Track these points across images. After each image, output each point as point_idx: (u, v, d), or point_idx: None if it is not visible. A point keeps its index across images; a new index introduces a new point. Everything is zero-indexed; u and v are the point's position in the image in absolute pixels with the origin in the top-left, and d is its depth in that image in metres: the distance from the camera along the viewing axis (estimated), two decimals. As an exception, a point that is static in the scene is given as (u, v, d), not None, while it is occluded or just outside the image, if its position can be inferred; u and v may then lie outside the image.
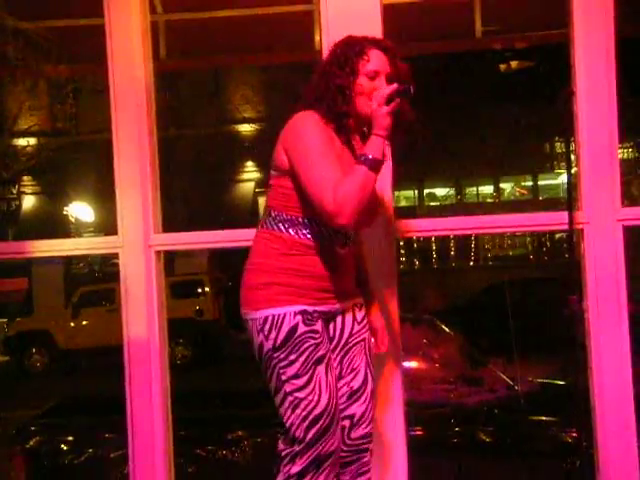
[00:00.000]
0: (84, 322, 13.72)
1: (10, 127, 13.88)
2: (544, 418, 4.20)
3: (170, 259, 13.31)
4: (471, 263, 18.65)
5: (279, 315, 2.30)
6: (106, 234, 3.59)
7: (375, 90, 2.31)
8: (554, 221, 3.06)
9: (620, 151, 3.20)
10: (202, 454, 4.05)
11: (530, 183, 20.46)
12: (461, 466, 3.91)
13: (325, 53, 2.51)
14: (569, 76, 2.99)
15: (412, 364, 4.76)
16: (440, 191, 21.02)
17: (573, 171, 2.94)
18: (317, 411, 2.30)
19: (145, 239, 3.10)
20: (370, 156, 2.24)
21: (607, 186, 2.93)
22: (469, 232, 3.32)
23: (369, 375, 2.49)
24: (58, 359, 13.25)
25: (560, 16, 3.14)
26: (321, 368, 2.32)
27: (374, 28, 2.95)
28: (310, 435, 2.30)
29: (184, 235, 3.25)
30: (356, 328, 2.48)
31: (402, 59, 2.40)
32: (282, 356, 2.30)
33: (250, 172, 17.99)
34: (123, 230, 3.11)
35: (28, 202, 17.50)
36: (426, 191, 20.60)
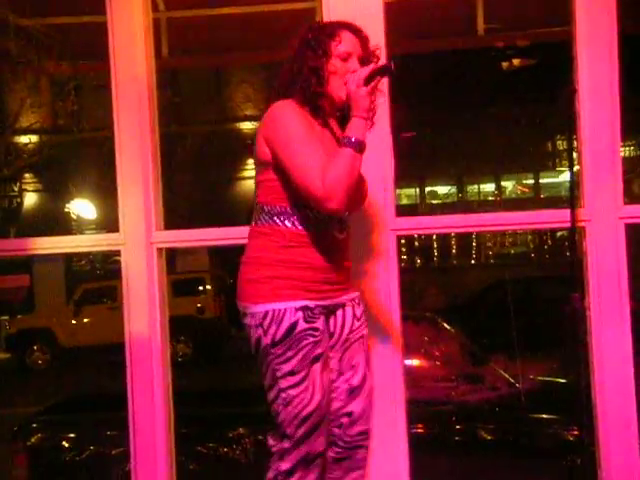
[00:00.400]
0: (86, 319, 13.72)
1: (12, 124, 13.87)
2: (545, 416, 4.19)
3: (171, 257, 13.32)
4: (472, 261, 18.63)
5: (280, 310, 2.29)
6: (108, 231, 3.60)
7: (348, 72, 2.32)
8: (556, 219, 3.07)
9: (622, 149, 3.20)
10: (203, 451, 4.04)
11: (532, 181, 20.44)
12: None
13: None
14: (571, 74, 2.99)
15: (413, 362, 4.75)
16: (442, 189, 21.00)
17: (575, 169, 2.94)
18: (308, 409, 2.30)
19: (147, 236, 3.10)
20: (353, 138, 2.24)
21: (609, 184, 2.93)
22: (471, 230, 3.32)
23: (368, 372, 2.48)
24: (60, 356, 13.26)
25: (562, 14, 3.14)
26: (317, 366, 2.31)
27: (376, 25, 2.95)
28: (300, 433, 2.30)
29: (186, 232, 3.26)
30: (356, 325, 2.48)
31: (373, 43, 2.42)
32: (279, 352, 2.30)
33: (252, 170, 17.89)
34: (125, 227, 3.12)
35: (30, 199, 17.50)
36: (427, 189, 20.59)
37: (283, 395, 2.31)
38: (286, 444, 2.33)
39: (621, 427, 2.93)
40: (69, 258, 16.06)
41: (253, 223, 2.42)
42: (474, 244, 18.80)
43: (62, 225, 16.63)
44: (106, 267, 16.91)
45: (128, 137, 3.11)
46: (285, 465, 2.33)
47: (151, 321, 3.10)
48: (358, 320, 2.49)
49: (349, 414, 2.44)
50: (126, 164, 3.12)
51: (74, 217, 17.52)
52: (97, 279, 15.54)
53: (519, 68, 8.27)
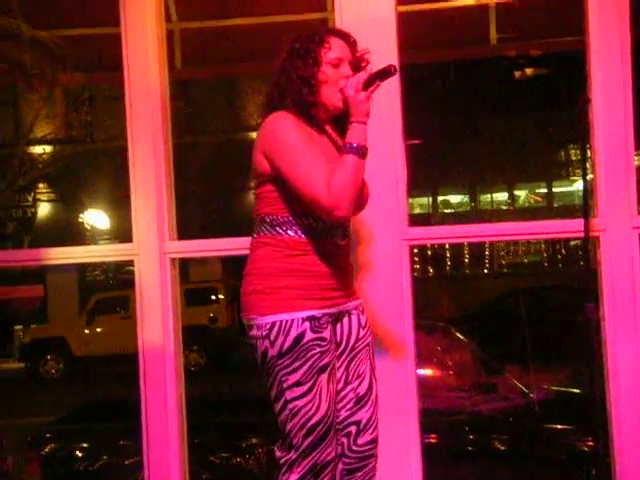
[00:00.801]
0: (99, 329, 13.75)
1: (26, 135, 13.97)
2: (560, 426, 4.17)
3: (184, 266, 13.33)
4: (485, 270, 18.57)
5: (286, 321, 2.28)
6: (121, 241, 3.61)
7: (340, 78, 2.31)
8: (570, 229, 3.06)
9: (636, 158, 3.19)
10: (216, 461, 4.04)
11: (545, 190, 20.39)
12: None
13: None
14: (584, 83, 2.98)
15: (426, 372, 4.74)
16: (454, 198, 20.97)
17: (588, 178, 2.93)
18: (315, 420, 2.29)
19: (160, 246, 3.11)
20: (355, 144, 2.23)
21: (623, 193, 2.92)
22: (484, 240, 3.32)
23: (373, 380, 2.47)
24: (73, 366, 13.29)
25: (575, 23, 3.14)
26: (324, 377, 2.30)
27: (389, 35, 2.96)
28: (307, 443, 2.29)
29: (199, 242, 3.26)
30: (362, 333, 2.47)
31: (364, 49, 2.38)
32: (286, 363, 2.28)
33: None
34: (138, 237, 3.13)
35: (44, 209, 17.59)
36: (440, 198, 20.57)
37: (290, 406, 2.30)
38: (293, 455, 2.32)
39: (636, 437, 2.91)
40: (83, 268, 16.11)
41: (255, 235, 2.40)
42: (487, 253, 18.75)
43: (76, 235, 16.69)
44: (119, 277, 16.95)
45: (141, 147, 3.13)
46: (294, 476, 2.32)
47: (164, 331, 3.11)
48: (364, 328, 2.48)
49: (357, 423, 2.43)
50: (139, 174, 3.13)
51: (88, 227, 17.58)
52: (110, 289, 15.59)
53: (532, 77, 8.27)
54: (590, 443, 3.77)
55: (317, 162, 2.23)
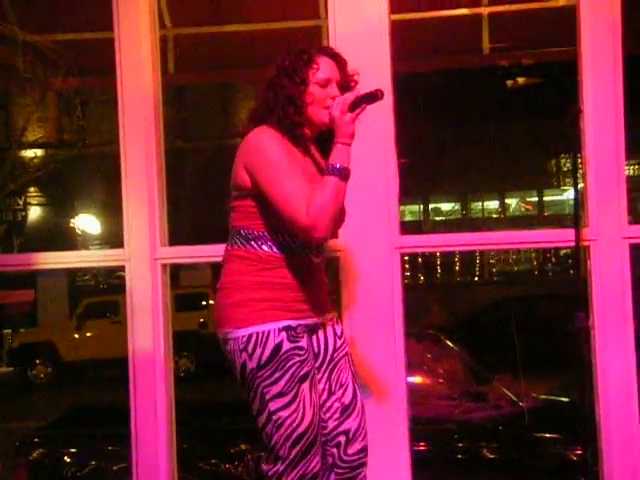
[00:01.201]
0: (88, 334, 13.70)
1: (18, 139, 13.91)
2: (549, 435, 4.18)
3: (175, 271, 13.31)
4: (476, 278, 18.62)
5: (263, 332, 2.27)
6: (112, 247, 3.60)
7: (327, 97, 2.30)
8: (561, 238, 3.07)
9: (627, 168, 3.20)
10: (205, 468, 4.03)
11: (535, 199, 20.47)
12: None
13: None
14: (576, 93, 3.00)
15: (416, 379, 4.74)
16: (445, 206, 21.03)
17: (579, 188, 2.94)
18: (300, 429, 2.28)
19: (151, 252, 3.11)
20: (338, 165, 2.22)
21: (614, 203, 2.93)
22: (475, 249, 3.32)
23: (357, 388, 2.47)
24: (62, 371, 13.24)
25: (568, 33, 3.15)
26: (305, 385, 2.29)
27: (382, 43, 2.97)
28: (293, 453, 2.28)
29: (190, 248, 3.26)
30: (338, 343, 2.46)
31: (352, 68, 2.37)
32: (267, 374, 2.27)
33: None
34: (129, 243, 3.13)
35: (34, 213, 17.53)
36: (431, 206, 20.62)
37: (274, 417, 2.28)
38: (281, 467, 2.30)
39: (625, 447, 2.92)
40: (73, 273, 16.06)
41: (228, 245, 2.39)
42: (478, 261, 18.80)
43: (67, 240, 16.65)
44: (109, 282, 16.91)
45: (134, 153, 3.12)
46: None
47: (155, 336, 3.10)
48: (340, 338, 2.47)
49: (346, 432, 2.42)
50: (131, 180, 3.13)
51: (79, 232, 17.54)
52: (100, 293, 15.54)
53: (524, 87, 8.30)
54: (579, 452, 3.77)
55: (298, 181, 2.22)
